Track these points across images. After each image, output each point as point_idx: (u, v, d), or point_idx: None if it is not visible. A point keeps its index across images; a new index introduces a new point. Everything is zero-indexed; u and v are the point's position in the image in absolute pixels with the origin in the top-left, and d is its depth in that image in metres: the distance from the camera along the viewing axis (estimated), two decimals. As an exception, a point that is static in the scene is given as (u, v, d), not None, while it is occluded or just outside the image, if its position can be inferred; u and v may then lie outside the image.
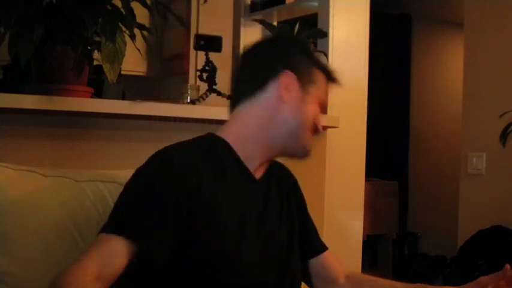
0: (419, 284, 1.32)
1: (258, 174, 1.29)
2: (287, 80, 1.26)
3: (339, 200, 2.50)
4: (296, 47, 1.37)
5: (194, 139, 1.28)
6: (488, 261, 2.89)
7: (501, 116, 2.62)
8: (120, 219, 1.14)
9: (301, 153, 1.31)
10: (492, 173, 3.24)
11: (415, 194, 5.29)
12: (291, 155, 1.31)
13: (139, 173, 1.19)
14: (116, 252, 1.09)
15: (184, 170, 1.16)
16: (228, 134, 1.28)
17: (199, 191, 1.16)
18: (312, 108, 1.29)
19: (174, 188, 1.14)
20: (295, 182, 1.44)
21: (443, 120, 5.32)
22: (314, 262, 1.42)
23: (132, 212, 1.14)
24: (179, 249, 1.14)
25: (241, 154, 1.26)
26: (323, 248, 1.45)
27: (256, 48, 1.35)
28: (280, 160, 1.38)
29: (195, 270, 1.15)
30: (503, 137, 2.59)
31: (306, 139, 1.29)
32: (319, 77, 1.32)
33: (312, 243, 1.44)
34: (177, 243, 1.14)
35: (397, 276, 1.52)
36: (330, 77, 1.36)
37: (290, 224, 1.34)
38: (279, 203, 1.33)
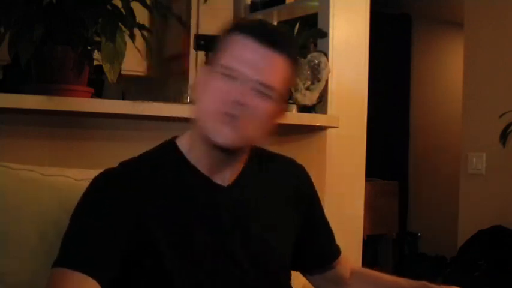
0: (422, 282, 1.31)
1: (227, 179, 1.17)
2: (199, 72, 1.18)
3: (339, 200, 2.50)
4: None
5: (146, 153, 1.21)
6: (488, 261, 2.89)
7: (501, 116, 2.62)
8: (71, 252, 1.08)
9: (211, 141, 1.11)
10: (492, 173, 3.24)
11: (415, 194, 5.29)
12: (209, 145, 1.13)
13: (84, 197, 1.14)
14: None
15: (127, 193, 1.10)
16: (185, 140, 1.20)
17: (143, 217, 1.09)
18: (213, 86, 1.10)
19: (116, 213, 1.09)
20: (300, 183, 1.32)
21: (443, 120, 5.31)
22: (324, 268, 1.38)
23: (80, 242, 1.08)
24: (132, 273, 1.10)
25: (195, 161, 1.16)
26: (335, 255, 1.38)
27: None
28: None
29: None
30: (503, 137, 2.59)
31: (208, 126, 1.10)
32: (228, 40, 1.12)
33: (322, 252, 1.36)
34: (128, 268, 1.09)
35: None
36: (239, 28, 1.12)
37: (282, 229, 1.24)
38: (267, 207, 1.22)
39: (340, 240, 1.44)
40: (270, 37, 1.09)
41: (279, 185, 1.27)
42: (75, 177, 1.41)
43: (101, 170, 1.48)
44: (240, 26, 1.13)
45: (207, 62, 1.17)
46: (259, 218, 1.20)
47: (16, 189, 1.33)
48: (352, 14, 2.61)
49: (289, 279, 1.28)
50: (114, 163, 1.20)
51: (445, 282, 1.32)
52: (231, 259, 1.15)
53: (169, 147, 1.20)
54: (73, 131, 1.85)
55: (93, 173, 1.45)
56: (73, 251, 1.08)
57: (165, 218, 1.11)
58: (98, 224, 1.09)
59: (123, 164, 1.18)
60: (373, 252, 4.45)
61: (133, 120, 1.92)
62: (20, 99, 1.67)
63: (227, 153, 1.13)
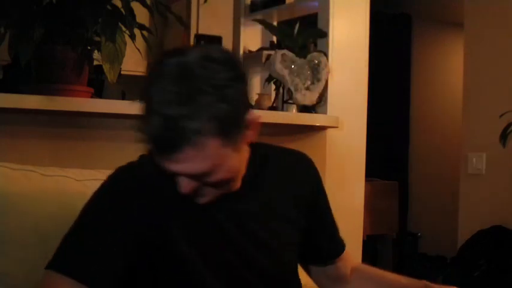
0: (423, 281, 1.30)
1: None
2: None
3: (339, 200, 2.50)
4: None
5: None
6: (488, 261, 2.90)
7: (501, 116, 2.62)
8: (69, 257, 1.07)
9: None
10: (492, 173, 3.23)
11: (415, 194, 5.29)
12: None
13: (93, 199, 1.12)
14: None
15: (133, 199, 1.08)
16: None
17: (155, 220, 1.08)
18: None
19: (122, 221, 1.07)
20: (306, 179, 1.30)
21: (443, 120, 5.32)
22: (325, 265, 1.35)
23: (80, 248, 1.07)
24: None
25: None
26: (337, 252, 1.36)
27: None
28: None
29: None
30: (503, 137, 2.59)
31: None
32: None
33: (324, 248, 1.34)
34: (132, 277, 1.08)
35: (397, 276, 1.51)
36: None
37: (283, 228, 1.21)
38: (267, 209, 1.18)
39: (339, 240, 1.44)
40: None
41: (284, 184, 1.24)
42: (76, 177, 1.41)
43: (101, 170, 1.48)
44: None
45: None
46: (265, 223, 1.18)
47: (16, 189, 1.33)
48: (352, 14, 2.61)
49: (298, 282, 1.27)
50: (114, 163, 1.20)
51: (445, 282, 1.32)
52: (242, 265, 1.14)
53: None
54: (73, 131, 1.85)
55: (94, 173, 1.46)
56: (72, 256, 1.07)
57: (177, 222, 1.09)
58: (101, 230, 1.07)
59: (134, 167, 1.14)
60: (373, 252, 4.45)
61: (133, 120, 1.91)
62: (20, 99, 1.67)
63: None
